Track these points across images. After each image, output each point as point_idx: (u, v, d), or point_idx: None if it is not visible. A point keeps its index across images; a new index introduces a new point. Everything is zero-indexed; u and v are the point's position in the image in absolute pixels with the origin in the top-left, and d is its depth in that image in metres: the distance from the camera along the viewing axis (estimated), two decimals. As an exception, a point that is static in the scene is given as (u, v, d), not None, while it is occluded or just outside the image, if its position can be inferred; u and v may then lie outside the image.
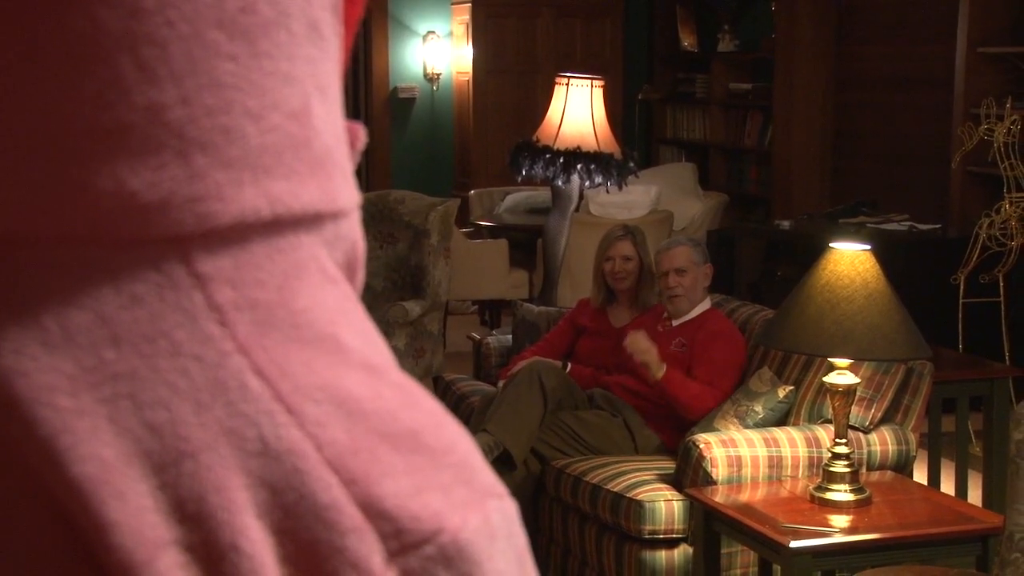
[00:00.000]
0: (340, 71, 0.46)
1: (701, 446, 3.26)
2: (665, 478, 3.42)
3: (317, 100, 0.43)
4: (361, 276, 0.48)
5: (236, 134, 0.40)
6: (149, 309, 0.40)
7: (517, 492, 3.69)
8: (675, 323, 3.83)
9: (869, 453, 3.35)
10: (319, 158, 0.43)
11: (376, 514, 0.42)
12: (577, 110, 4.94)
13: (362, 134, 0.48)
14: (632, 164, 5.05)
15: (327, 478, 0.41)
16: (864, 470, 3.25)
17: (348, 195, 0.45)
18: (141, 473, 0.39)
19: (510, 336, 4.52)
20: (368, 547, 0.42)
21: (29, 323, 0.39)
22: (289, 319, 0.42)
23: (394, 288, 5.36)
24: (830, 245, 3.05)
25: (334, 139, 0.44)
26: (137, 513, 0.39)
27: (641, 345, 3.63)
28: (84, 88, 0.38)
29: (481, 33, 7.97)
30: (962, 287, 4.93)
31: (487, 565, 0.44)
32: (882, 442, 3.38)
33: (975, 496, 4.03)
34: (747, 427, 3.45)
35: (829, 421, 3.22)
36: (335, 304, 0.44)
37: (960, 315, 4.93)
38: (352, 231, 0.46)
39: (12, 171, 0.39)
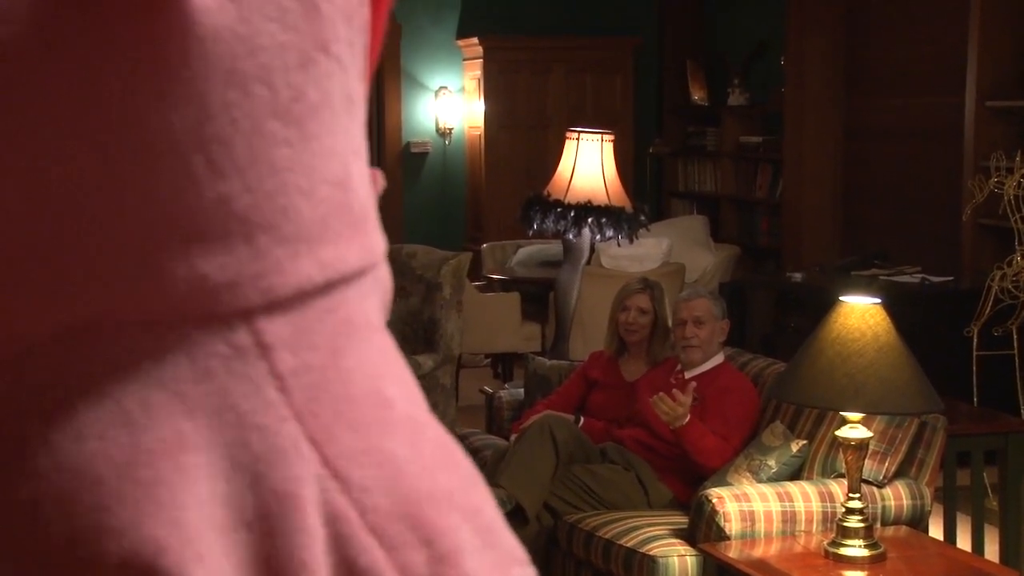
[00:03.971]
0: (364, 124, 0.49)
1: (714, 500, 3.24)
2: (678, 533, 3.40)
3: (354, 163, 0.46)
4: (386, 315, 0.50)
5: (293, 212, 0.43)
6: (219, 382, 0.42)
7: (530, 546, 3.66)
8: (688, 375, 3.83)
9: (883, 508, 3.33)
10: (358, 217, 0.46)
11: None
12: (588, 164, 4.98)
13: (380, 179, 0.51)
14: (643, 217, 5.07)
15: (367, 543, 0.43)
16: (879, 525, 3.23)
17: (380, 244, 0.48)
18: (214, 538, 0.41)
19: (522, 390, 4.52)
20: None
21: (111, 407, 0.41)
22: (339, 379, 0.44)
23: (406, 342, 5.37)
24: (840, 298, 3.06)
25: (367, 194, 0.47)
26: (215, 574, 0.41)
27: (664, 408, 3.57)
28: (160, 186, 0.41)
29: (493, 88, 8.04)
30: (975, 340, 4.91)
31: None
32: (896, 496, 3.36)
33: (992, 551, 3.99)
34: (760, 481, 3.43)
35: (843, 475, 3.20)
36: (379, 356, 0.46)
37: (974, 368, 4.91)
38: (384, 276, 0.48)
39: (95, 265, 0.41)
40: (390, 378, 0.46)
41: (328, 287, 0.44)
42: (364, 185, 0.47)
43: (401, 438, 0.45)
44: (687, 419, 3.56)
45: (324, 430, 0.43)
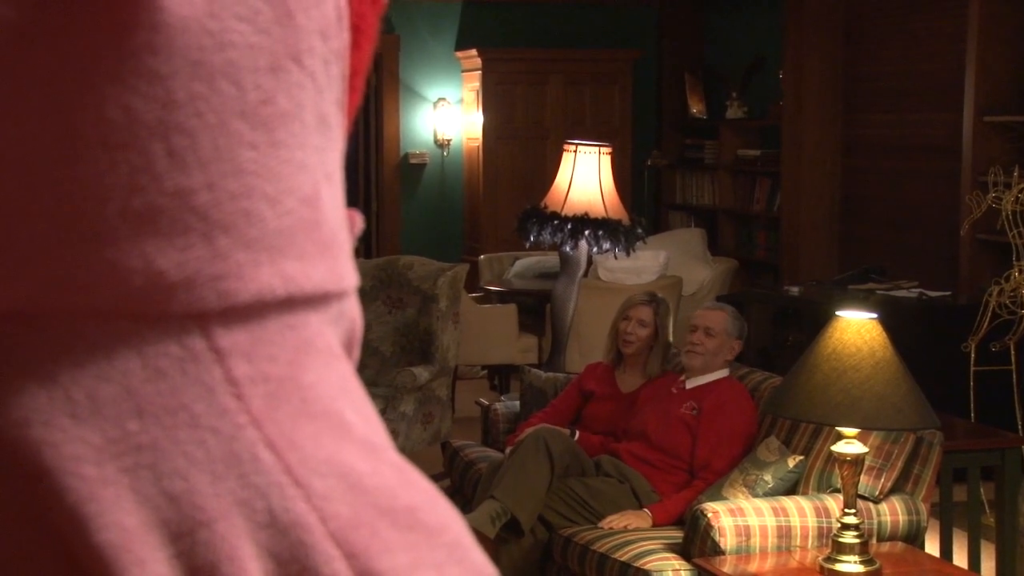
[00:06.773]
0: (342, 159, 0.49)
1: (709, 515, 3.23)
2: (672, 547, 3.38)
3: (325, 186, 0.46)
4: (357, 354, 0.50)
5: (255, 217, 0.43)
6: (171, 382, 0.42)
7: (525, 559, 3.65)
8: (688, 386, 3.82)
9: (879, 523, 3.31)
10: (327, 241, 0.45)
11: None
12: (585, 177, 4.97)
13: (359, 220, 0.50)
14: (640, 230, 5.07)
15: (330, 551, 0.43)
16: (874, 541, 3.22)
17: (351, 276, 0.47)
18: (160, 541, 0.41)
19: (518, 402, 4.51)
20: None
21: (59, 395, 0.40)
22: (298, 393, 0.44)
23: (403, 353, 5.36)
24: (836, 313, 3.05)
25: (339, 223, 0.47)
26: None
27: (618, 524, 3.58)
28: (118, 173, 0.41)
29: (491, 100, 8.04)
30: (973, 355, 4.90)
31: None
32: (892, 512, 3.35)
33: (988, 568, 3.97)
34: (756, 496, 3.42)
35: (839, 490, 3.19)
36: (338, 381, 0.46)
37: (971, 383, 4.90)
38: (352, 310, 0.48)
39: (46, 248, 0.41)
40: (349, 405, 0.46)
41: (290, 303, 0.44)
42: (337, 213, 0.46)
43: (359, 455, 0.45)
44: (651, 516, 3.59)
45: (284, 438, 0.43)
